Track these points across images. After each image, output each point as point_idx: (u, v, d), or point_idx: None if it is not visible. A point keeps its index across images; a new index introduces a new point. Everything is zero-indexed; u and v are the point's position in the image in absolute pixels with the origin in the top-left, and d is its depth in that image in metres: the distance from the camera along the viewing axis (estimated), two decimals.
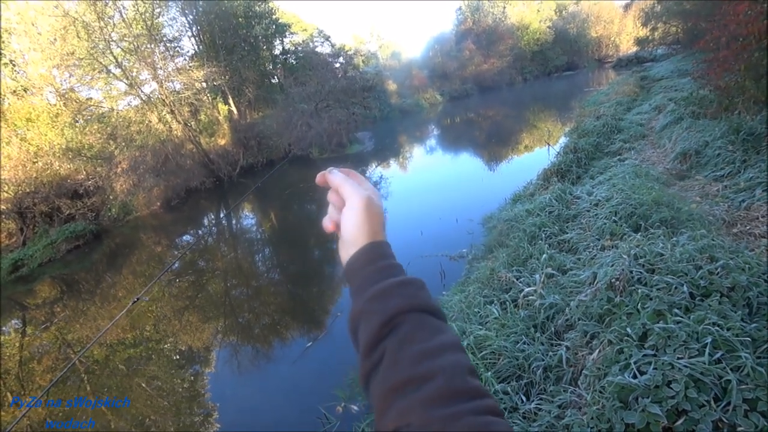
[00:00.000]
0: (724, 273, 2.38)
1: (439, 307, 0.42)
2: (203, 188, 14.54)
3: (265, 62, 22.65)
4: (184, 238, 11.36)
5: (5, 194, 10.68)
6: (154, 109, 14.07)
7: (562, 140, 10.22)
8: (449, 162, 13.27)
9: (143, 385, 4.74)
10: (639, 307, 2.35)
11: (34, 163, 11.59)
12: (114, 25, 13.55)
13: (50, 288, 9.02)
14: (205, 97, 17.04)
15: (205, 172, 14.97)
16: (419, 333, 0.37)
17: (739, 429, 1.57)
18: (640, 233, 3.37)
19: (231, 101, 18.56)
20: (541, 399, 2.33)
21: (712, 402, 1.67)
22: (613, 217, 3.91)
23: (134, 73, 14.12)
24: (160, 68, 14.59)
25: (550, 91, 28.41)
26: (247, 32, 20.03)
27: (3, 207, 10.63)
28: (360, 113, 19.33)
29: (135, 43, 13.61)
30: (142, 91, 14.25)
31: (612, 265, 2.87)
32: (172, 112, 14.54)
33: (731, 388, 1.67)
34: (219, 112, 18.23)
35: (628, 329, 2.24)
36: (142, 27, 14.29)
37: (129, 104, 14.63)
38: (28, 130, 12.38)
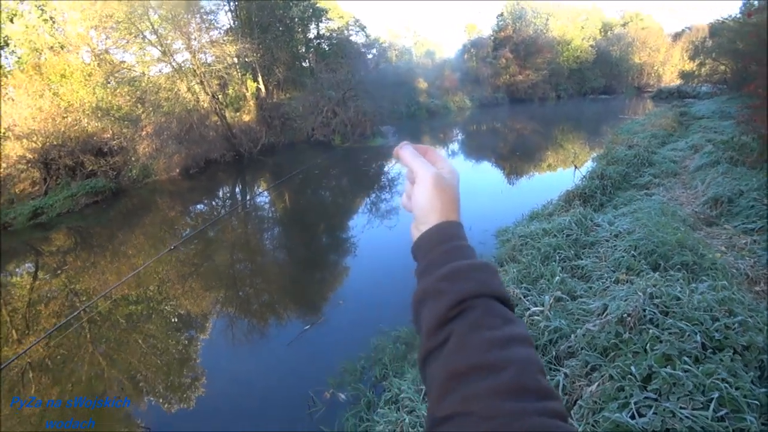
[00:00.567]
0: (740, 330, 2.29)
1: (510, 297, 0.40)
2: (223, 161, 14.74)
3: (298, 44, 22.61)
4: (198, 206, 11.56)
5: (33, 144, 11.01)
6: (184, 78, 14.24)
7: (589, 164, 9.98)
8: (469, 169, 13.11)
9: (140, 341, 4.86)
10: (648, 347, 2.28)
11: (63, 117, 11.89)
12: None
13: (65, 237, 9.30)
14: (236, 73, 17.14)
15: (227, 145, 15.13)
16: (490, 320, 0.36)
17: None
18: (658, 272, 3.26)
19: (260, 79, 18.66)
20: None
21: None
22: (633, 252, 3.79)
23: (168, 41, 14.26)
24: (195, 39, 14.71)
25: (583, 113, 27.68)
26: (284, 13, 20.01)
27: (30, 156, 10.97)
28: (387, 107, 19.25)
29: (172, 12, 13.74)
30: (174, 60, 14.41)
31: (625, 300, 2.79)
32: (201, 83, 14.69)
33: None
34: (247, 89, 18.35)
35: (633, 368, 2.18)
36: None
37: (160, 71, 14.78)
38: (61, 85, 12.69)
